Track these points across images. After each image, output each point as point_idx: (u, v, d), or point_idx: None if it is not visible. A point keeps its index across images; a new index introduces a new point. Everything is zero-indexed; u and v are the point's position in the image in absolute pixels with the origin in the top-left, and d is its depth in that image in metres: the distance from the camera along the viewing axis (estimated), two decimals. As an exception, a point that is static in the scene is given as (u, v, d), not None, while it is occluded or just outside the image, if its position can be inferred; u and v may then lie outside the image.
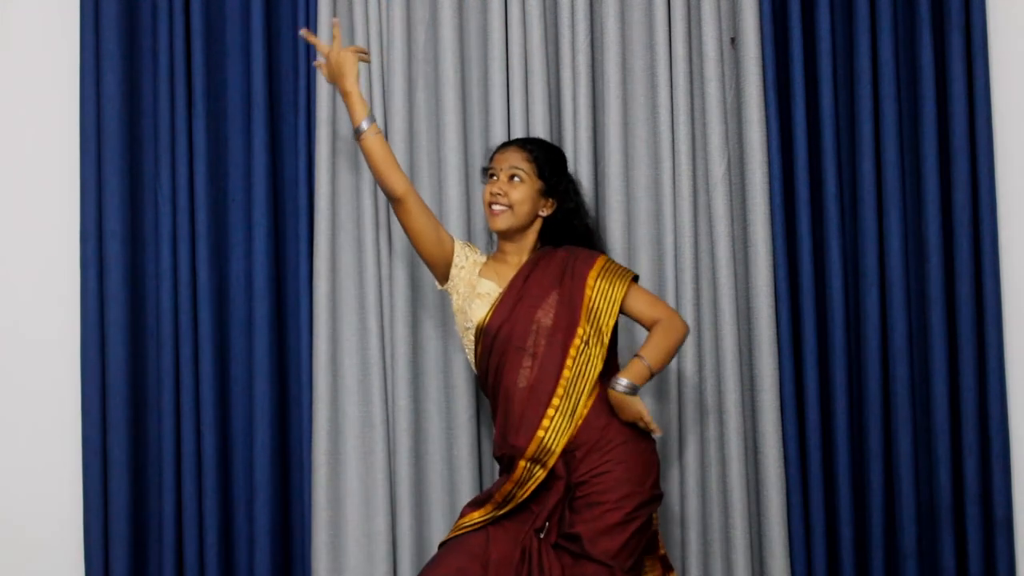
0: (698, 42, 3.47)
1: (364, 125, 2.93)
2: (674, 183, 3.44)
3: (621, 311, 2.93)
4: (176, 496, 3.41)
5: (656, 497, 2.87)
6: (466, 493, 3.36)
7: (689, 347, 3.41)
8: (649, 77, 3.49)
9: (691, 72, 3.47)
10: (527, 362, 2.88)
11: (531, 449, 2.83)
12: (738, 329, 3.42)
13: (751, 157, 3.42)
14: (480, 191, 3.46)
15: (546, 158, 3.02)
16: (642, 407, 2.83)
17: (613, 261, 3.01)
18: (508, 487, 2.85)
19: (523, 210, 2.97)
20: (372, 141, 2.93)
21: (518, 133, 3.41)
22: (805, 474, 3.45)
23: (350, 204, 3.47)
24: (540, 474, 2.83)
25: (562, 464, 2.84)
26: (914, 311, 3.45)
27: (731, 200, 3.44)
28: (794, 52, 3.46)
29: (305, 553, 3.44)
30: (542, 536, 2.81)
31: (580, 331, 2.88)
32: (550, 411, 2.84)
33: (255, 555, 3.39)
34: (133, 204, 3.45)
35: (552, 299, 2.91)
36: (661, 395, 3.43)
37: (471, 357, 3.01)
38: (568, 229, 3.04)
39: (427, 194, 3.46)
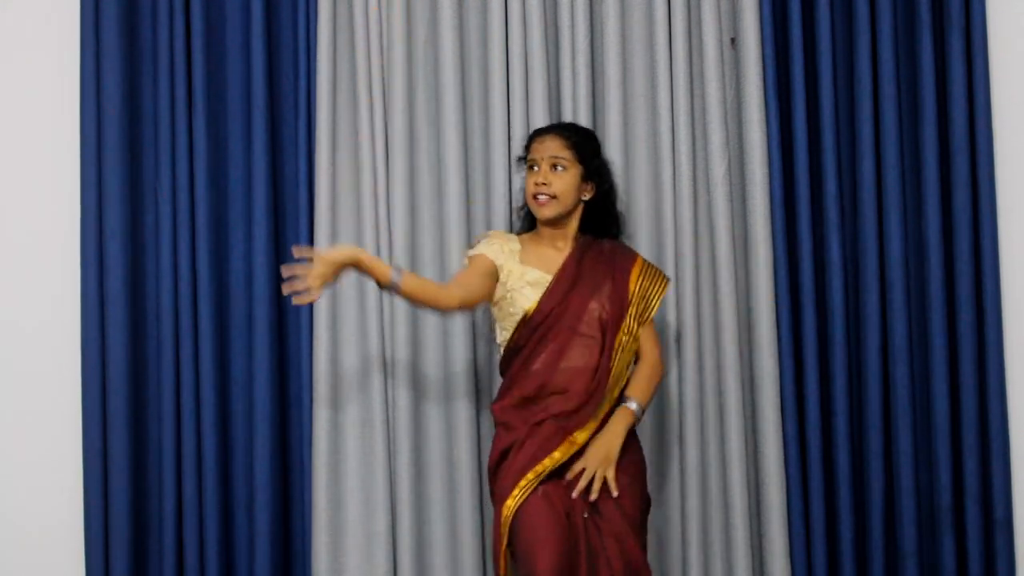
0: (698, 42, 3.47)
1: (395, 278, 2.84)
2: (674, 183, 3.44)
3: None
4: (176, 496, 3.41)
5: (649, 502, 3.06)
6: (466, 493, 3.37)
7: (689, 348, 3.40)
8: (649, 77, 3.48)
9: (691, 72, 3.47)
10: (586, 343, 2.96)
11: (583, 436, 2.92)
12: (738, 329, 3.42)
13: (751, 157, 3.42)
14: (481, 186, 3.47)
15: (584, 142, 3.06)
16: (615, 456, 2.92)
17: (648, 261, 3.12)
18: (546, 461, 2.91)
19: (568, 199, 3.01)
20: (409, 284, 2.87)
21: (518, 133, 3.40)
22: (805, 474, 3.45)
23: (350, 204, 3.47)
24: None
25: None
26: (914, 311, 3.45)
27: (731, 200, 3.44)
28: (794, 52, 3.45)
29: (305, 553, 3.44)
30: (585, 516, 2.88)
31: (624, 327, 2.98)
32: (603, 407, 2.95)
33: (255, 555, 3.39)
34: (133, 204, 3.45)
35: (606, 290, 2.99)
36: (662, 396, 3.43)
37: (502, 337, 3.05)
38: (607, 212, 3.11)
39: (427, 194, 3.46)
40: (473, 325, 3.44)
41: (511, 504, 2.86)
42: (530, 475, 2.87)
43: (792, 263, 3.47)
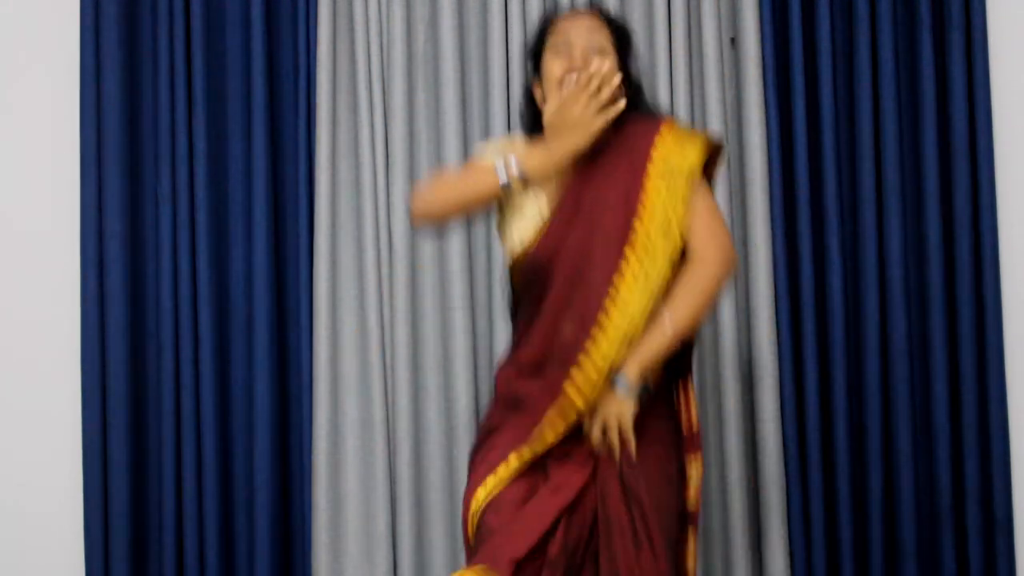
0: (698, 42, 3.47)
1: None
2: (674, 183, 3.43)
3: None
4: (176, 496, 3.41)
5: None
6: (466, 493, 3.37)
7: (689, 347, 3.40)
8: (649, 77, 3.48)
9: (691, 72, 3.47)
10: (578, 294, 2.26)
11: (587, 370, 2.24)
12: (738, 329, 3.42)
13: (751, 157, 3.42)
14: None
15: (624, 37, 2.43)
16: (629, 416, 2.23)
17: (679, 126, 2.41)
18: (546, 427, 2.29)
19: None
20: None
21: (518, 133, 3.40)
22: (805, 474, 3.45)
23: (350, 204, 3.47)
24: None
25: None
26: (914, 311, 3.45)
27: (731, 200, 3.43)
28: (794, 52, 3.45)
29: (305, 553, 3.44)
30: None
31: (637, 225, 2.25)
32: (596, 331, 2.24)
33: (255, 555, 3.39)
34: (133, 204, 3.45)
35: (612, 199, 2.28)
36: (661, 395, 3.43)
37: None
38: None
39: (427, 194, 3.46)
40: (474, 325, 3.44)
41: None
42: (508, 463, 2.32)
43: (792, 263, 3.47)
